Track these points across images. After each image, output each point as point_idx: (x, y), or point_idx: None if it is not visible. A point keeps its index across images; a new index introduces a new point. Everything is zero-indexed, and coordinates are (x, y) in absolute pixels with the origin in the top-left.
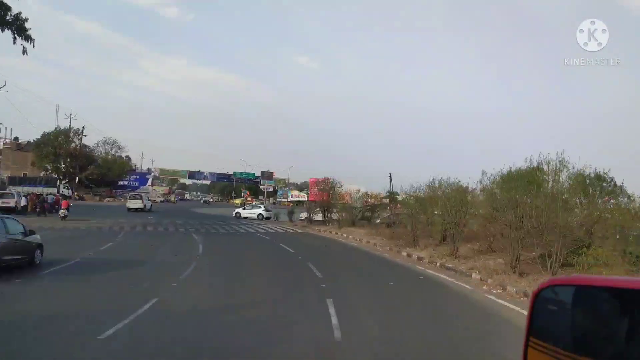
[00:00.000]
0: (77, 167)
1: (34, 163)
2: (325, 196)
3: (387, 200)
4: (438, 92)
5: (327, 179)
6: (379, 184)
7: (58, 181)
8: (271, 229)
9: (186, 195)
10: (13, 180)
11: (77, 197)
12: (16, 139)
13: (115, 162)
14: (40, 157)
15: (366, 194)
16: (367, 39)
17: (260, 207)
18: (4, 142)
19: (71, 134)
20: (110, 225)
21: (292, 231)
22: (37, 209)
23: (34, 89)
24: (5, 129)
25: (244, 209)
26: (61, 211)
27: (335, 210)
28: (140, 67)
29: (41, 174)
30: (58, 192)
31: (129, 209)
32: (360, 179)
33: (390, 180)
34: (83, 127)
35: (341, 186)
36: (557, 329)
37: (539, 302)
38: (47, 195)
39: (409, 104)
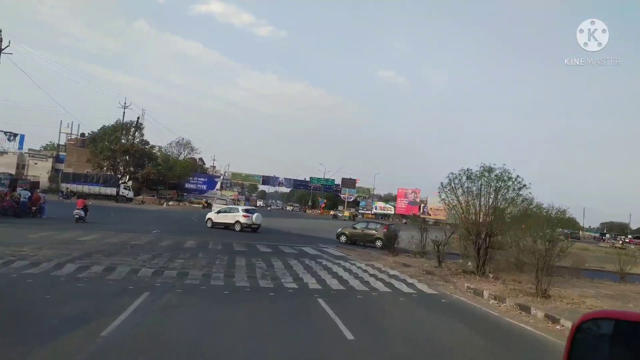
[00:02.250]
0: (130, 165)
1: (90, 160)
2: (416, 209)
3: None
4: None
5: (418, 190)
6: None
7: (118, 180)
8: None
9: (259, 202)
10: (66, 177)
11: (141, 201)
12: (82, 135)
13: (178, 161)
14: (95, 153)
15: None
16: (452, 55)
17: (237, 208)
18: (69, 137)
19: (132, 128)
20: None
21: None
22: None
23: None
24: (72, 123)
25: (217, 212)
26: (76, 212)
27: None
28: (233, 82)
29: (100, 172)
30: (118, 193)
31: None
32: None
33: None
34: (137, 118)
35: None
36: None
37: (580, 334)
38: (20, 191)
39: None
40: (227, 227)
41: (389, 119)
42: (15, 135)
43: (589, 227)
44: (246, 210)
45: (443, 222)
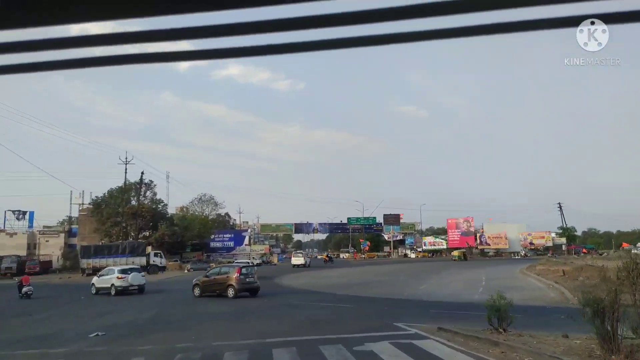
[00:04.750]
0: (136, 228)
1: (97, 229)
2: (471, 240)
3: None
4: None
5: (471, 218)
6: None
7: (148, 247)
8: None
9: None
10: (87, 252)
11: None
12: (93, 202)
13: (196, 218)
14: (102, 221)
15: (528, 234)
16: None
17: (114, 270)
18: (80, 207)
19: (142, 187)
20: None
21: None
22: None
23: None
24: (82, 193)
25: (99, 276)
26: (25, 288)
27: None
28: (258, 137)
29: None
30: (148, 262)
31: (294, 266)
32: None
33: (560, 213)
34: (142, 172)
35: None
36: None
37: None
38: None
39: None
40: (108, 292)
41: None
42: (24, 213)
43: None
44: (121, 271)
45: (506, 251)
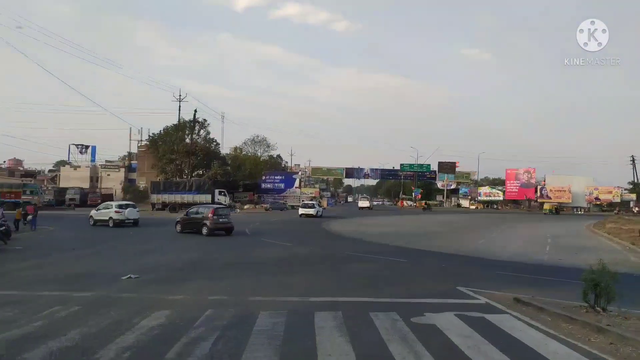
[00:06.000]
0: (189, 165)
1: (154, 165)
2: (531, 193)
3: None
4: None
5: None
6: (606, 174)
7: (212, 185)
8: None
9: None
10: (156, 187)
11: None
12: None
13: (247, 158)
14: (157, 157)
15: (595, 189)
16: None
17: (112, 204)
18: (139, 144)
19: (195, 125)
20: None
21: None
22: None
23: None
24: (141, 129)
25: (97, 210)
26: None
27: None
28: (313, 80)
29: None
30: (213, 200)
31: (300, 215)
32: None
33: (633, 166)
34: (195, 110)
35: None
36: None
37: None
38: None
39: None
40: (106, 224)
41: (483, 100)
42: (86, 147)
43: None
44: (119, 206)
45: (568, 205)
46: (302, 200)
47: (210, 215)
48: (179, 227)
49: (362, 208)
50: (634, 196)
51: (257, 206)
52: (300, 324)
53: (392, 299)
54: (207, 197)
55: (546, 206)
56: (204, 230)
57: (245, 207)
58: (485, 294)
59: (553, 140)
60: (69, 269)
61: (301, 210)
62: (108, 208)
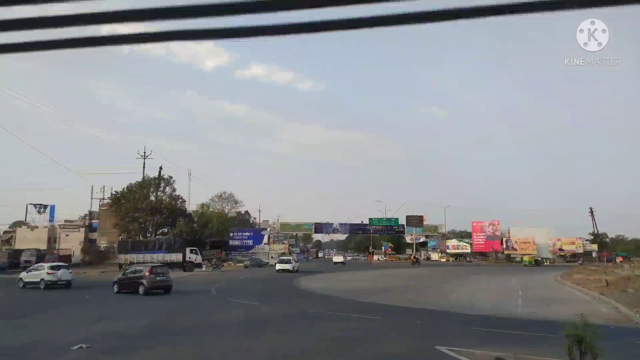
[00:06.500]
0: (153, 224)
1: (116, 225)
2: (497, 245)
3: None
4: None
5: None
6: (566, 225)
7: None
8: None
9: (314, 252)
10: (124, 247)
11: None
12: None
13: (214, 216)
14: (120, 216)
15: (558, 240)
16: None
17: (44, 266)
18: (101, 202)
19: (161, 182)
20: None
21: None
22: None
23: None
24: (104, 187)
25: (27, 272)
26: None
27: None
28: (279, 136)
29: (120, 237)
30: (184, 258)
31: (278, 270)
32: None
33: (592, 218)
34: (160, 167)
35: None
36: None
37: None
38: None
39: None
40: (37, 286)
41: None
42: (45, 207)
43: None
44: (51, 267)
45: (533, 257)
46: (280, 257)
47: (147, 274)
48: (116, 287)
49: (337, 263)
50: (595, 247)
51: (231, 264)
52: None
53: None
54: (177, 256)
55: (526, 258)
56: (141, 290)
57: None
58: (465, 354)
59: (516, 191)
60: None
61: (278, 266)
62: (39, 270)
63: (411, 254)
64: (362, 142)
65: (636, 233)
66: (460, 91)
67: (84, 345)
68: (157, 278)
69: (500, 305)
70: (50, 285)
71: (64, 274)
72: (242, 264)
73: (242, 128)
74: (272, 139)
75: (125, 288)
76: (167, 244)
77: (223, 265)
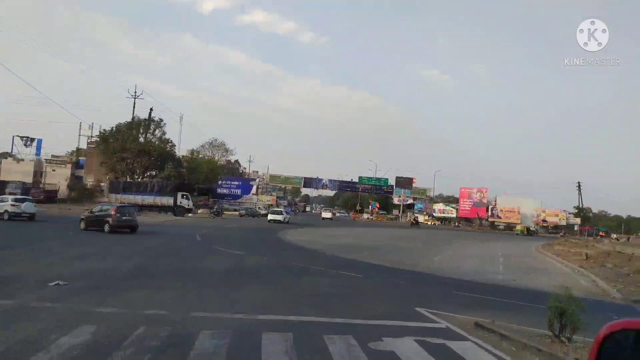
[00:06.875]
0: (141, 165)
1: (103, 163)
2: (483, 212)
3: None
4: None
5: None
6: (553, 198)
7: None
8: None
9: (307, 208)
10: (116, 187)
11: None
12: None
13: (204, 163)
14: (107, 154)
15: (542, 211)
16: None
17: (8, 198)
18: (89, 140)
19: (151, 124)
20: None
21: None
22: None
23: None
24: (92, 125)
25: None
26: None
27: None
28: (276, 88)
29: (107, 177)
30: (175, 203)
31: (269, 221)
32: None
33: (578, 192)
34: (151, 109)
35: None
36: None
37: (607, 344)
38: None
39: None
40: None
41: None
42: (32, 140)
43: None
44: (15, 200)
45: (515, 225)
46: (271, 207)
47: (113, 213)
48: (83, 224)
49: (325, 218)
50: (578, 220)
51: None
52: (246, 348)
53: (347, 320)
54: (169, 200)
55: (519, 227)
56: (106, 227)
57: (199, 211)
58: (444, 317)
59: (507, 162)
60: None
61: (270, 217)
62: (3, 202)
63: (399, 214)
64: (359, 100)
65: (618, 210)
66: (464, 59)
67: (60, 282)
68: (123, 217)
69: (481, 271)
70: (14, 217)
71: (27, 207)
72: (237, 213)
73: (239, 77)
74: (269, 90)
75: (92, 225)
76: (159, 187)
77: (224, 213)
